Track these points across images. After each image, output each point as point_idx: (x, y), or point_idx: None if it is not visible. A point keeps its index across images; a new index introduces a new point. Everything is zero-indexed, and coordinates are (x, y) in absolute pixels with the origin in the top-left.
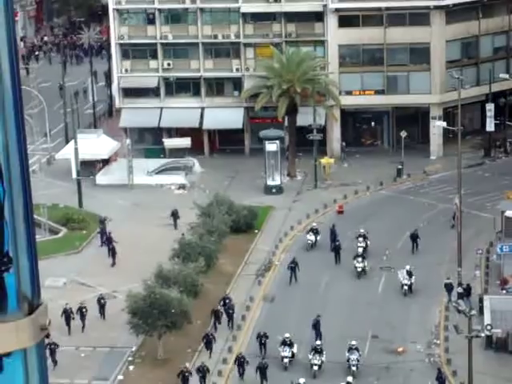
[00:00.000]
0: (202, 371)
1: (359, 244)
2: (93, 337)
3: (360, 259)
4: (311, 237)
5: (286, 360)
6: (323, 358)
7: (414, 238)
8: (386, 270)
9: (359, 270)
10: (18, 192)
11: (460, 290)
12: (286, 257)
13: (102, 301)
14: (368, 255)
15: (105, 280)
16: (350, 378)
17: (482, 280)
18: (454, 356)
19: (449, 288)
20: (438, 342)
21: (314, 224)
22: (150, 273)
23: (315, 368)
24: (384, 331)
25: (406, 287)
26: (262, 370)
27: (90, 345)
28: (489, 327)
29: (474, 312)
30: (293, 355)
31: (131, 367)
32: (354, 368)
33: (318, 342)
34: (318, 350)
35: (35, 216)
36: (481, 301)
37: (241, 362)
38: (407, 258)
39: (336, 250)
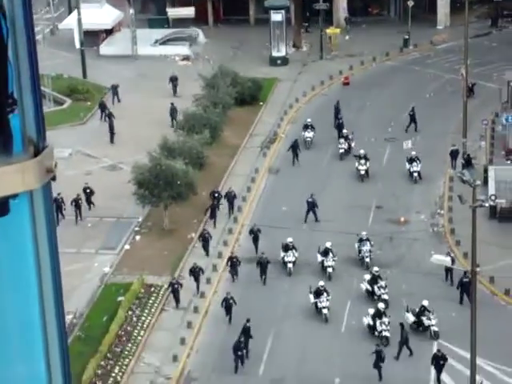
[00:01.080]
0: (195, 272)
1: (340, 146)
2: (99, 207)
3: (363, 161)
4: (309, 134)
5: (290, 265)
6: (335, 258)
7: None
8: (391, 141)
9: (362, 172)
10: (21, 31)
11: (462, 160)
12: (291, 129)
13: (88, 190)
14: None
15: (110, 151)
16: (376, 268)
17: (487, 150)
18: (457, 226)
19: (454, 155)
20: (442, 212)
21: (309, 120)
22: (155, 144)
23: (330, 270)
24: (388, 202)
25: (415, 174)
26: (263, 265)
27: (96, 215)
28: (493, 197)
29: (478, 182)
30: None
31: (138, 237)
32: (367, 259)
33: (329, 244)
34: (327, 252)
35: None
36: (485, 171)
37: (233, 263)
38: (412, 131)
39: (339, 127)
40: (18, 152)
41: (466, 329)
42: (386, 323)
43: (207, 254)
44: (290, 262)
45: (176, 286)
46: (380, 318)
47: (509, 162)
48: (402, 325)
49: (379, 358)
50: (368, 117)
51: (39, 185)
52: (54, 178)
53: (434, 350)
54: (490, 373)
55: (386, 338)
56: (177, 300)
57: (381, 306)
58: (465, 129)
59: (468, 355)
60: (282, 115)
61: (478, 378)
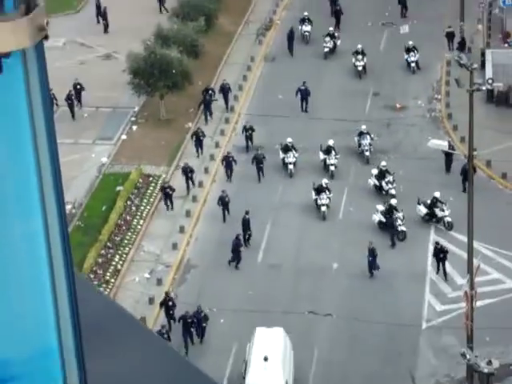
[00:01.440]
0: (185, 171)
1: (325, 44)
2: (95, 97)
3: (360, 57)
4: (306, 27)
5: (290, 166)
6: (338, 156)
7: None
8: (388, 26)
9: (360, 68)
10: None
11: (456, 45)
12: (287, 15)
13: (78, 86)
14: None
15: (104, 41)
16: (383, 163)
17: (484, 34)
18: (454, 110)
19: (450, 37)
20: (439, 97)
21: (306, 13)
22: (149, 33)
23: (332, 168)
24: (385, 89)
25: (413, 65)
26: (259, 160)
27: (92, 105)
28: (490, 81)
29: (475, 66)
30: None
31: (134, 127)
32: (367, 153)
33: (331, 142)
34: (329, 150)
35: None
36: (483, 55)
37: (229, 162)
38: (410, 16)
39: (337, 15)
40: (8, 9)
41: (464, 213)
42: (402, 218)
43: (201, 153)
44: (290, 163)
45: (168, 190)
46: (393, 213)
47: (506, 45)
48: (390, 214)
49: (373, 255)
50: (364, 0)
51: (31, 43)
52: (46, 37)
53: (431, 240)
54: (487, 256)
55: (403, 231)
56: (168, 206)
57: (393, 201)
58: (462, 12)
59: (465, 239)
60: (277, 1)
61: (475, 261)
